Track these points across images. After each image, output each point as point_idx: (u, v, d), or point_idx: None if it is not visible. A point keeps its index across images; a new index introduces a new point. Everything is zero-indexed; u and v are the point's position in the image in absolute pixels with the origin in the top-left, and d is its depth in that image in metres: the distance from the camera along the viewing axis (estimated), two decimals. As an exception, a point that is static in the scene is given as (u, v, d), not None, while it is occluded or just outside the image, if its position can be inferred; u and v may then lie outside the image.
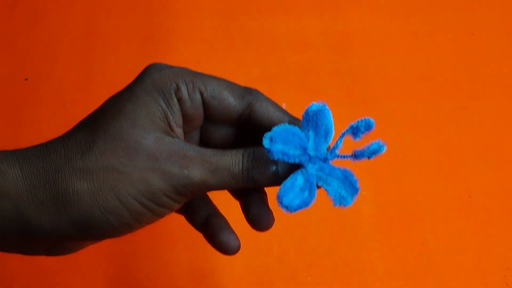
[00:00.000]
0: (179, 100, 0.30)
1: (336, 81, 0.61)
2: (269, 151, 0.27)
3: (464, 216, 0.51)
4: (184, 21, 0.67)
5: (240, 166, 0.29)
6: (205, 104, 0.31)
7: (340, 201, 0.29)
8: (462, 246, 0.49)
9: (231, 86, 0.32)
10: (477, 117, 0.58)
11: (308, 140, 0.28)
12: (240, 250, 0.50)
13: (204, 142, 0.34)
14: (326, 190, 0.29)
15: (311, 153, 0.28)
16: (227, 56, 0.64)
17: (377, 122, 0.63)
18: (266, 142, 0.27)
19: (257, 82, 0.61)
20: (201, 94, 0.31)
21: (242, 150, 0.29)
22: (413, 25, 0.66)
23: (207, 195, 0.37)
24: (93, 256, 0.49)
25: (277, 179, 0.29)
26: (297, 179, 0.28)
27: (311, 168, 0.28)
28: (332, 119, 0.29)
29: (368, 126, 0.30)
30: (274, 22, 0.66)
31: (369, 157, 0.29)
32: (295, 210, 0.27)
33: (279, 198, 0.27)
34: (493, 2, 0.68)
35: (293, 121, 0.32)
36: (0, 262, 0.49)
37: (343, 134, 0.29)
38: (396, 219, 0.51)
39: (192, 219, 0.37)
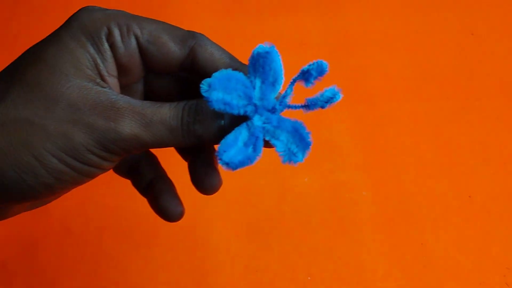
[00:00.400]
0: (112, 46, 0.27)
1: (336, 81, 0.61)
2: (208, 100, 0.23)
3: (464, 216, 0.51)
4: (184, 21, 0.67)
5: (179, 119, 0.26)
6: (141, 50, 0.28)
7: (290, 157, 0.25)
8: (462, 246, 0.49)
9: (172, 29, 0.28)
10: (477, 117, 0.57)
11: (254, 88, 0.25)
12: (240, 250, 0.50)
13: (150, 96, 0.31)
14: (274, 144, 0.25)
15: (258, 102, 0.25)
16: (227, 56, 0.64)
17: (377, 122, 0.64)
18: (204, 89, 0.23)
19: (257, 82, 0.61)
20: (137, 38, 0.27)
21: (184, 102, 0.26)
22: (413, 25, 0.66)
23: (155, 157, 0.34)
24: (92, 257, 0.49)
25: (224, 134, 0.25)
26: (241, 132, 0.24)
27: (258, 120, 0.25)
28: (281, 63, 0.26)
29: (321, 70, 0.27)
30: (274, 22, 0.66)
31: (323, 106, 0.26)
32: (236, 167, 0.24)
33: (219, 154, 0.23)
34: (493, 2, 0.68)
35: (240, 67, 0.28)
36: None
37: (293, 81, 0.26)
38: (396, 219, 0.51)
39: (136, 182, 0.34)
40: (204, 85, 0.23)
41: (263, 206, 0.51)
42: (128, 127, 0.25)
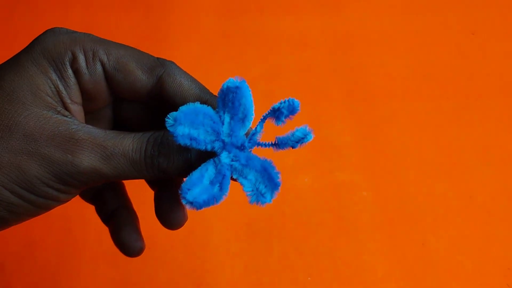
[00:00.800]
0: (76, 72, 0.25)
1: (336, 81, 0.61)
2: (173, 135, 0.22)
3: (465, 216, 0.51)
4: (184, 20, 0.67)
5: (143, 152, 0.24)
6: (108, 77, 0.26)
7: (258, 197, 0.23)
8: (462, 247, 0.49)
9: (140, 56, 0.27)
10: (477, 117, 0.57)
11: (222, 124, 0.24)
12: (240, 250, 0.50)
13: (119, 122, 0.29)
14: (241, 183, 0.24)
15: (226, 139, 0.24)
16: (227, 56, 0.64)
17: (377, 122, 0.64)
18: (169, 123, 0.22)
19: (257, 82, 0.61)
20: (103, 65, 0.26)
21: (149, 134, 0.25)
22: (413, 25, 0.66)
23: (121, 184, 0.33)
24: (92, 257, 0.49)
25: (190, 170, 0.24)
26: (208, 169, 0.23)
27: (225, 157, 0.24)
28: (252, 99, 0.24)
29: (292, 109, 0.25)
30: (274, 22, 0.66)
31: (293, 146, 0.24)
32: (201, 207, 0.23)
33: (183, 192, 0.22)
34: (493, 2, 0.68)
35: (210, 99, 0.27)
36: (-1, 262, 0.49)
37: (264, 118, 0.24)
38: (396, 219, 0.51)
39: (99, 210, 0.32)
40: (169, 119, 0.22)
41: (263, 206, 0.51)
42: (87, 160, 0.24)
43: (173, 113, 0.23)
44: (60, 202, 0.25)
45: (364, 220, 0.50)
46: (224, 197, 0.23)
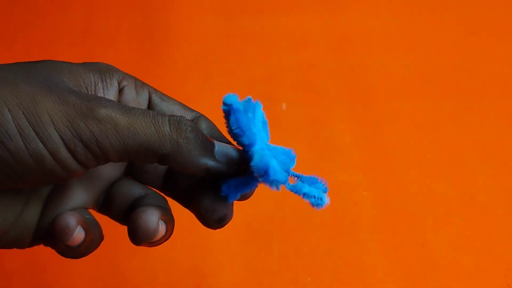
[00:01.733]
0: (122, 89, 0.26)
1: (336, 81, 0.61)
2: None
3: (465, 216, 0.51)
4: (184, 20, 0.67)
5: (167, 127, 0.23)
6: (151, 106, 0.27)
7: (317, 203, 0.29)
8: (462, 247, 0.49)
9: (184, 107, 0.28)
10: (477, 117, 0.57)
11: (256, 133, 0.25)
12: (240, 250, 0.50)
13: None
14: (308, 200, 0.28)
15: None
16: (227, 56, 0.64)
17: (377, 122, 0.64)
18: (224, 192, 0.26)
19: (257, 82, 0.61)
20: (150, 94, 0.27)
21: (168, 117, 0.23)
22: (413, 25, 0.66)
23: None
24: (92, 257, 0.49)
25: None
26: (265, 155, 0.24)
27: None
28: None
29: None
30: (274, 22, 0.66)
31: (304, 197, 0.28)
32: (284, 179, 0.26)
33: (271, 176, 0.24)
34: (493, 2, 0.68)
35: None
36: (-1, 262, 0.49)
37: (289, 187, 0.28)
38: (396, 220, 0.51)
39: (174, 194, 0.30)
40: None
41: (263, 207, 0.51)
42: (105, 108, 0.22)
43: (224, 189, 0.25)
44: (57, 166, 0.22)
45: (364, 220, 0.50)
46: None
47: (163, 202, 0.28)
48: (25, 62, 0.24)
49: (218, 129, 0.28)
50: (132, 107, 0.23)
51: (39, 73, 0.23)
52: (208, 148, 0.24)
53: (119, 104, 0.23)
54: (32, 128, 0.21)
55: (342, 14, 0.67)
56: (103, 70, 0.26)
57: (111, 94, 0.26)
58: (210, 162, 0.24)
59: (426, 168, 0.54)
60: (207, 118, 0.28)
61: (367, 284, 0.47)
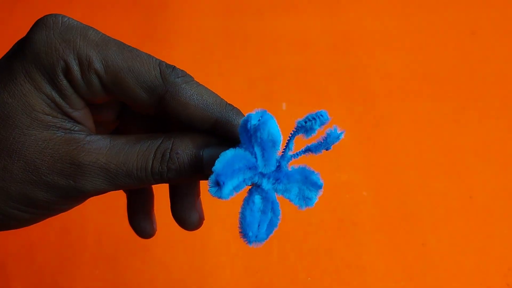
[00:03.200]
0: (71, 82, 0.24)
1: (336, 81, 0.61)
2: (219, 197, 0.23)
3: (465, 216, 0.51)
4: (183, 20, 0.67)
5: (149, 170, 0.24)
6: (106, 89, 0.24)
7: (306, 203, 0.25)
8: (463, 247, 0.49)
9: (141, 71, 0.24)
10: (477, 117, 0.57)
11: (256, 159, 0.24)
12: (240, 250, 0.50)
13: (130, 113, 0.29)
14: (288, 198, 0.25)
15: (263, 170, 0.24)
16: (227, 56, 0.64)
17: (377, 122, 0.64)
18: (213, 191, 0.22)
19: (257, 82, 0.61)
20: (99, 77, 0.24)
21: (156, 145, 0.24)
22: (414, 25, 0.66)
23: None
24: (92, 257, 0.49)
25: (202, 172, 0.24)
26: (255, 201, 0.24)
27: (266, 184, 0.25)
28: (277, 125, 0.24)
29: (322, 121, 0.24)
30: (274, 22, 0.66)
31: (327, 148, 0.25)
32: (266, 239, 0.24)
33: (244, 236, 0.23)
34: (493, 2, 0.68)
35: (221, 117, 0.25)
36: (-1, 263, 0.49)
37: (293, 136, 0.24)
38: (396, 220, 0.51)
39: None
40: (212, 184, 0.22)
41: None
42: (90, 184, 0.24)
43: (212, 177, 0.22)
44: (71, 207, 0.26)
45: (364, 220, 0.50)
46: (279, 218, 0.25)
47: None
48: None
49: (203, 95, 0.26)
50: (116, 166, 0.24)
51: (10, 149, 0.23)
52: (198, 170, 0.25)
53: (103, 166, 0.24)
54: (41, 209, 0.25)
55: (342, 14, 0.67)
56: (48, 73, 0.23)
57: (73, 98, 0.24)
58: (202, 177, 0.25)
59: (426, 168, 0.54)
60: (182, 87, 0.25)
61: (367, 284, 0.47)
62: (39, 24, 0.25)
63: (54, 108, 0.24)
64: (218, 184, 0.22)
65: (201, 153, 0.25)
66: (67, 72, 0.23)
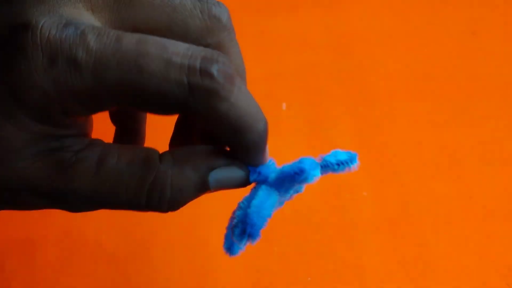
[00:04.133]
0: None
1: (336, 81, 0.61)
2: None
3: (465, 217, 0.51)
4: (184, 21, 0.67)
5: (143, 205, 0.22)
6: None
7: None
8: (462, 247, 0.49)
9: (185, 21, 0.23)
10: (477, 117, 0.57)
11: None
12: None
13: None
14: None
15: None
16: (227, 56, 0.63)
17: (377, 122, 0.64)
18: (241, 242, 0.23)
19: (257, 82, 0.61)
20: None
21: (151, 175, 0.22)
22: (414, 25, 0.66)
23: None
24: (92, 257, 0.49)
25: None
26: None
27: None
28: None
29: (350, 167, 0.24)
30: (274, 22, 0.66)
31: (334, 170, 0.25)
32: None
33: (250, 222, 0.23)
34: (493, 2, 0.68)
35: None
36: (-1, 263, 0.49)
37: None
38: (396, 220, 0.51)
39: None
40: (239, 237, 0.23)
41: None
42: (74, 208, 0.23)
43: (250, 236, 0.22)
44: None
45: (364, 221, 0.50)
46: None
47: None
48: None
49: None
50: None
51: None
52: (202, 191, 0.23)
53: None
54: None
55: (342, 14, 0.67)
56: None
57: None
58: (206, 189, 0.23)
59: (426, 169, 0.54)
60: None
61: (367, 284, 0.47)
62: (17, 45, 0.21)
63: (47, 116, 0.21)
64: (247, 234, 0.23)
65: (207, 179, 0.23)
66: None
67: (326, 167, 0.24)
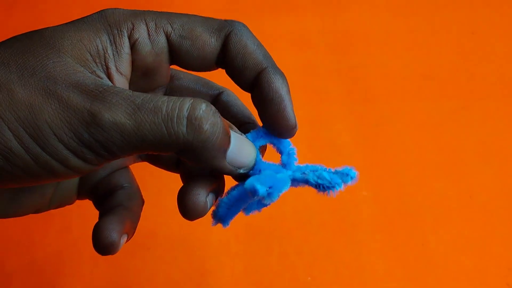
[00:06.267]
0: (134, 44, 0.23)
1: (336, 81, 0.61)
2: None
3: (465, 216, 0.51)
4: (184, 21, 0.67)
5: (183, 112, 0.20)
6: (173, 48, 0.24)
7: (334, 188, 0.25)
8: (462, 247, 0.49)
9: (206, 20, 0.25)
10: (477, 117, 0.57)
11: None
12: (240, 250, 0.50)
13: None
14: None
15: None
16: (227, 56, 0.64)
17: (377, 122, 0.64)
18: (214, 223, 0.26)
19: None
20: (167, 35, 0.24)
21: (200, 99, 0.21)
22: (414, 25, 0.66)
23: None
24: (92, 257, 0.49)
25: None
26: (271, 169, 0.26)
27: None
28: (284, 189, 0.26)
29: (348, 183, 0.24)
30: (274, 22, 0.66)
31: (336, 187, 0.25)
32: (276, 198, 0.25)
33: (254, 190, 0.23)
34: (493, 2, 0.68)
35: (268, 68, 0.26)
36: (-1, 263, 0.49)
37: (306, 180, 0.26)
38: (396, 219, 0.51)
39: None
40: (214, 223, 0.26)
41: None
42: (108, 112, 0.20)
43: (215, 219, 0.26)
44: (70, 171, 0.21)
45: (364, 220, 0.50)
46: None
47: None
48: (19, 40, 0.22)
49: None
50: (144, 102, 0.20)
51: (36, 62, 0.21)
52: (222, 149, 0.22)
53: (127, 97, 0.20)
54: (36, 143, 0.20)
55: (342, 14, 0.67)
56: (111, 26, 0.23)
57: (124, 59, 0.23)
58: (220, 165, 0.23)
59: (426, 168, 0.54)
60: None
61: (367, 284, 0.47)
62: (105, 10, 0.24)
63: (101, 57, 0.22)
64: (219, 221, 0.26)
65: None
66: (133, 31, 0.23)
67: (306, 181, 0.26)
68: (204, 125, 0.21)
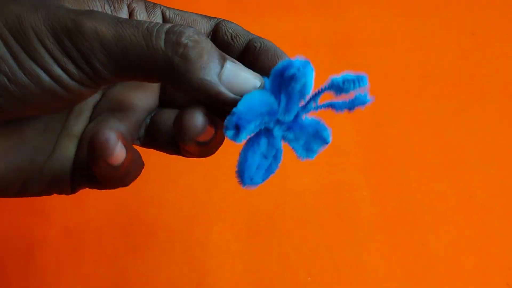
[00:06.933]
0: (131, 12, 0.24)
1: (336, 81, 0.61)
2: (234, 141, 0.21)
3: (465, 216, 0.51)
4: (184, 21, 0.67)
5: (161, 42, 0.20)
6: (167, 21, 0.25)
7: (308, 154, 0.24)
8: (462, 247, 0.49)
9: (198, 14, 0.27)
10: (478, 117, 0.57)
11: (279, 106, 0.23)
12: (240, 250, 0.50)
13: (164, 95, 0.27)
14: (292, 147, 0.24)
15: (281, 117, 0.23)
16: (227, 56, 0.64)
17: (377, 122, 0.64)
18: (230, 134, 0.21)
19: (257, 82, 0.61)
20: (162, 12, 0.25)
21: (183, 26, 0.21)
22: (414, 25, 0.66)
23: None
24: (92, 257, 0.49)
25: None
26: (260, 144, 0.23)
27: (278, 130, 0.23)
28: (313, 79, 0.23)
29: (360, 86, 0.23)
30: (274, 22, 0.66)
31: (350, 109, 0.23)
32: (260, 183, 0.23)
33: (241, 176, 0.22)
34: (494, 2, 0.68)
35: (260, 42, 0.25)
36: (-1, 262, 0.49)
37: (322, 91, 0.23)
38: (396, 219, 0.51)
39: None
40: (229, 129, 0.21)
41: (263, 206, 0.51)
42: (91, 21, 0.20)
43: (232, 120, 0.21)
44: (56, 86, 0.21)
45: (364, 220, 0.50)
46: (279, 166, 0.23)
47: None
48: None
49: (245, 30, 0.26)
50: (127, 19, 0.20)
51: None
52: (210, 69, 0.21)
53: (112, 16, 0.20)
54: (21, 47, 0.20)
55: (342, 14, 0.67)
56: None
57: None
58: (213, 87, 0.21)
59: (426, 168, 0.54)
60: (232, 22, 0.26)
61: (367, 284, 0.47)
62: None
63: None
64: (237, 128, 0.21)
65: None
66: (131, 3, 0.25)
67: (332, 86, 0.22)
68: (183, 39, 0.20)
